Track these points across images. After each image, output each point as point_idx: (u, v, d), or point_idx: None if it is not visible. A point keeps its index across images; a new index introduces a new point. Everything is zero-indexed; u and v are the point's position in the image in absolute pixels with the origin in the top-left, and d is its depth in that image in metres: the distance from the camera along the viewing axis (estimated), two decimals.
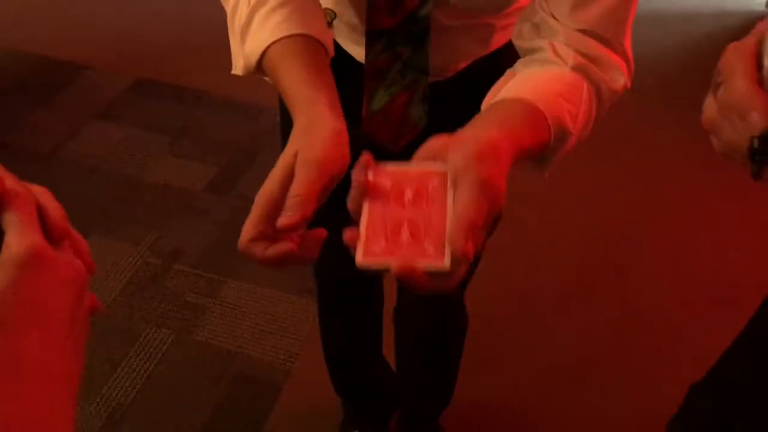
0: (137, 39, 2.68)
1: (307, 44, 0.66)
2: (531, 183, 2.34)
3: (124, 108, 2.38)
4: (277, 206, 0.54)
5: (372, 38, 0.80)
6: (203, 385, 1.60)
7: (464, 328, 1.33)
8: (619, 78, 0.70)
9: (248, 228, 0.54)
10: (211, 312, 1.75)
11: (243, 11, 0.68)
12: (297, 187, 0.54)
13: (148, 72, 2.50)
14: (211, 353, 1.66)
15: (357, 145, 0.61)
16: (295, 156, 0.56)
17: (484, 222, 0.51)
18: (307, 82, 0.62)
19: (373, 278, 1.28)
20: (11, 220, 0.34)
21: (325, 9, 0.87)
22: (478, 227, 0.50)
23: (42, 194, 0.37)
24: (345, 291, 1.28)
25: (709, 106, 0.45)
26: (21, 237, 0.33)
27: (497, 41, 0.88)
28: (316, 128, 0.58)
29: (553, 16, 0.69)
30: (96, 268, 0.39)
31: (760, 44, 0.40)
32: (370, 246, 0.52)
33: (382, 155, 0.59)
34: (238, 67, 0.70)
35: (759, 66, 0.40)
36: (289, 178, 0.55)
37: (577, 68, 0.68)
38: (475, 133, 0.57)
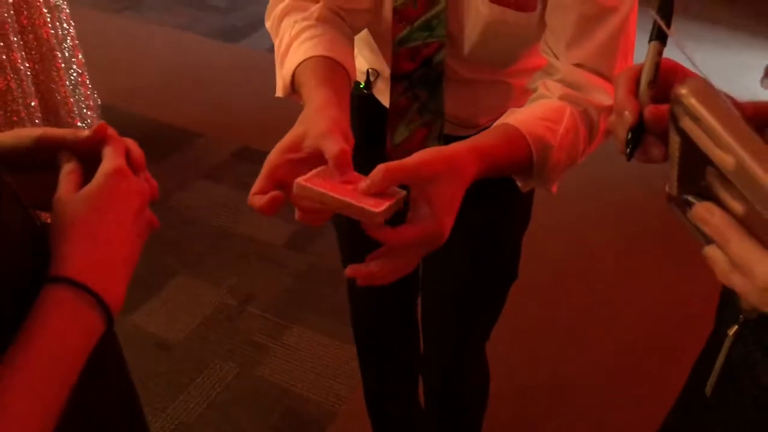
0: (243, 113, 3.03)
1: (328, 64, 0.82)
2: (569, 255, 2.42)
3: (225, 170, 2.68)
4: (276, 169, 0.67)
5: (395, 81, 0.97)
6: (257, 415, 1.75)
7: (484, 385, 1.40)
8: (604, 97, 0.82)
9: (255, 185, 0.68)
10: (274, 352, 1.92)
11: (284, 42, 0.87)
12: (330, 150, 0.66)
13: (249, 141, 2.82)
14: (268, 388, 1.82)
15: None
16: (302, 135, 0.68)
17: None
18: (319, 88, 0.77)
19: (407, 324, 1.41)
20: (107, 150, 0.57)
21: (368, 69, 1.06)
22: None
23: (131, 143, 0.59)
24: (380, 336, 1.41)
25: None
26: (111, 159, 0.56)
27: (517, 100, 0.99)
28: (319, 116, 0.71)
29: (555, 56, 0.84)
30: (158, 196, 0.61)
31: (639, 72, 0.54)
32: (314, 180, 0.63)
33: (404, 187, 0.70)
34: (278, 89, 0.88)
35: (637, 84, 0.54)
36: (290, 149, 0.68)
37: (563, 97, 0.82)
38: (451, 150, 0.69)
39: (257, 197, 0.66)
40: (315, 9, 0.89)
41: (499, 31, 0.88)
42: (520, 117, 0.81)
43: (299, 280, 2.16)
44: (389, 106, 1.00)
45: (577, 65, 0.83)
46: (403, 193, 0.66)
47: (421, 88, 0.96)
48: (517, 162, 0.78)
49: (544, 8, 0.85)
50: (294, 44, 0.87)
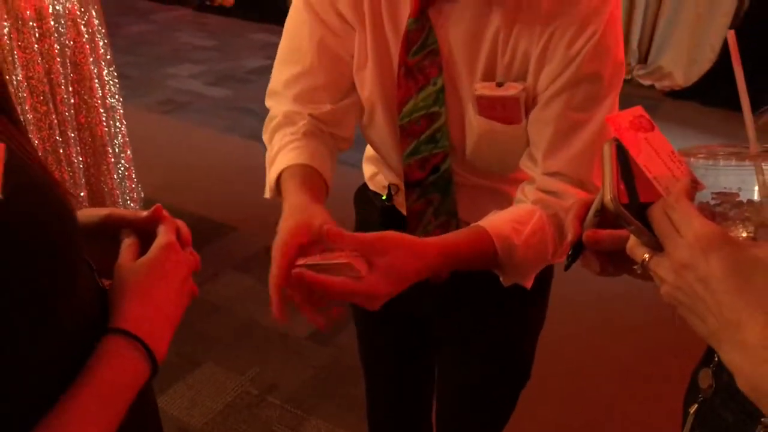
0: (275, 211, 3.18)
1: (307, 170, 0.97)
2: (581, 360, 2.41)
3: (256, 264, 2.80)
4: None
5: (409, 188, 1.07)
6: None
7: None
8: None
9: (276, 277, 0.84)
10: None
11: (274, 151, 1.02)
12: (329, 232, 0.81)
13: None
14: None
15: None
16: (302, 226, 0.85)
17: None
18: (297, 193, 0.92)
19: (423, 424, 1.45)
20: (162, 228, 0.69)
21: (389, 184, 1.17)
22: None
23: (181, 224, 0.71)
24: None
25: None
26: (165, 235, 0.67)
27: None
28: (312, 207, 0.88)
29: (534, 166, 0.95)
30: (200, 268, 0.71)
31: (591, 202, 0.65)
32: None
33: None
34: (266, 191, 1.02)
35: (587, 211, 0.64)
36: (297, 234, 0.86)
37: (535, 202, 0.92)
38: (415, 241, 0.83)
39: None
40: (302, 125, 1.03)
41: (491, 141, 0.98)
42: (491, 219, 0.92)
43: (321, 372, 2.21)
44: (406, 211, 1.10)
45: (554, 174, 0.93)
46: (346, 261, 0.78)
47: (433, 193, 1.07)
48: (483, 258, 0.89)
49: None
50: (281, 153, 1.01)
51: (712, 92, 4.46)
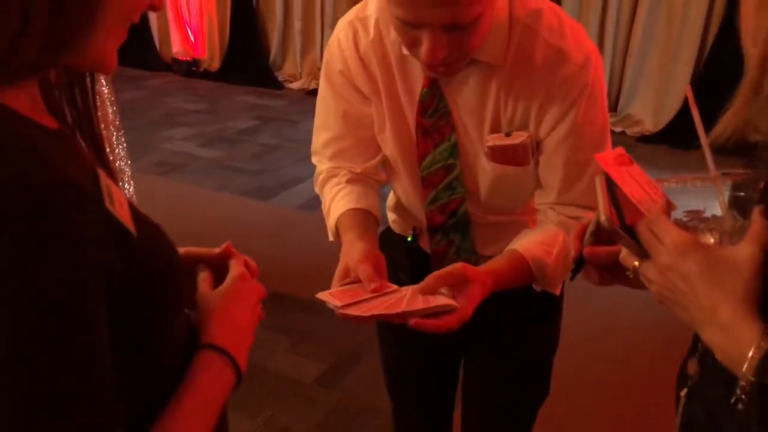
0: (274, 263, 3.30)
1: (356, 212, 1.16)
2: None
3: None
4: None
5: (432, 232, 1.23)
6: None
7: None
8: None
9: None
10: None
11: (326, 202, 1.20)
12: (365, 278, 1.00)
13: (279, 287, 3.06)
14: None
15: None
16: (345, 267, 1.03)
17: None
18: (350, 232, 1.11)
19: None
20: (233, 262, 0.82)
21: (414, 227, 1.32)
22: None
23: (248, 258, 0.84)
24: None
25: None
26: (237, 267, 0.79)
27: None
28: (351, 250, 1.06)
29: (547, 205, 1.13)
30: (266, 295, 0.83)
31: (588, 224, 0.81)
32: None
33: None
34: (330, 236, 1.19)
35: (585, 231, 0.80)
36: (341, 278, 1.03)
37: (558, 224, 1.10)
38: (480, 270, 1.01)
39: None
40: (343, 175, 1.22)
41: (503, 183, 1.15)
42: (523, 243, 1.10)
43: (329, 414, 2.30)
44: (431, 252, 1.26)
45: (569, 204, 1.11)
46: (452, 304, 0.96)
47: (454, 234, 1.22)
48: (522, 278, 1.07)
49: (536, 162, 1.13)
50: (333, 203, 1.20)
51: (680, 135, 4.72)
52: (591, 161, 1.08)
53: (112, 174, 0.75)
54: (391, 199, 1.37)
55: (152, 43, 6.76)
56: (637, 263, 0.70)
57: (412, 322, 0.94)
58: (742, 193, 0.69)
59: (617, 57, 5.22)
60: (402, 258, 1.33)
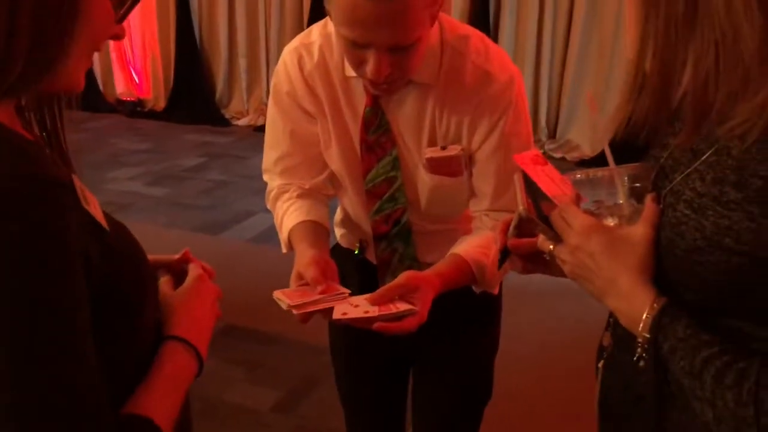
0: (227, 296, 3.31)
1: (307, 224, 1.25)
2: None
3: (215, 345, 2.88)
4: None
5: (377, 241, 1.32)
6: None
7: None
8: None
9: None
10: None
11: (279, 216, 1.28)
12: (311, 279, 1.08)
13: (234, 320, 3.07)
14: None
15: None
16: (298, 274, 1.10)
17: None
18: (302, 241, 1.20)
19: None
20: (191, 266, 0.89)
21: (360, 240, 1.39)
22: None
23: (204, 263, 0.91)
24: None
25: None
26: (195, 270, 0.87)
27: None
28: (302, 257, 1.14)
29: (481, 211, 1.23)
30: (222, 296, 0.90)
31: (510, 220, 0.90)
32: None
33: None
34: (283, 247, 1.27)
35: (509, 226, 0.89)
36: (295, 280, 1.11)
37: (493, 229, 1.18)
38: (425, 275, 1.10)
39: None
40: (293, 190, 1.31)
41: (441, 193, 1.25)
42: (463, 247, 1.20)
43: None
44: (376, 261, 1.33)
45: (501, 209, 1.20)
46: (413, 308, 1.05)
47: (398, 243, 1.31)
48: (464, 279, 1.16)
49: (470, 173, 1.23)
50: (284, 217, 1.28)
51: (617, 158, 4.92)
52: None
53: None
54: (338, 214, 1.45)
55: (95, 84, 6.74)
56: (552, 247, 0.79)
57: (376, 325, 1.02)
58: (637, 184, 0.79)
59: (553, 87, 5.46)
60: (350, 271, 1.40)
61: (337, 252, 1.45)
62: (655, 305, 0.70)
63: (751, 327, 0.70)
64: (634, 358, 0.72)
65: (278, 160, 1.32)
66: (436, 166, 1.20)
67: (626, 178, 0.80)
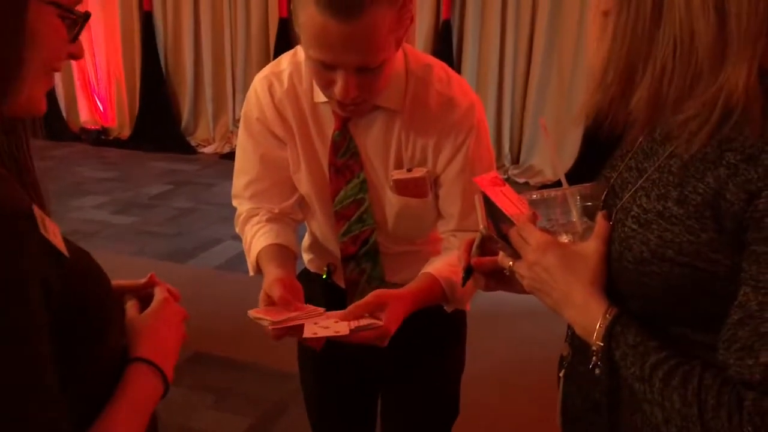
0: (194, 323, 3.29)
1: (275, 247, 1.27)
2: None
3: (180, 373, 2.86)
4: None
5: (345, 261, 1.35)
6: None
7: None
8: None
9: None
10: None
11: (248, 239, 1.30)
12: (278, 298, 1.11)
13: (200, 347, 3.06)
14: None
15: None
16: (266, 295, 1.13)
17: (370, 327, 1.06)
18: (270, 263, 1.22)
19: None
20: (157, 289, 0.90)
21: (328, 264, 1.43)
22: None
23: (169, 286, 0.93)
24: None
25: None
26: (161, 293, 0.89)
27: None
28: (270, 277, 1.17)
29: (449, 230, 1.28)
30: (189, 317, 0.91)
31: (473, 239, 0.95)
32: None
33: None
34: (250, 270, 1.29)
35: (472, 244, 0.94)
36: (263, 301, 1.13)
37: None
38: (395, 293, 1.14)
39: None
40: (263, 214, 1.34)
41: (407, 213, 1.29)
42: (434, 266, 1.24)
43: None
44: (344, 282, 1.37)
45: (467, 229, 1.25)
46: (376, 322, 1.09)
47: (366, 263, 1.35)
48: (436, 296, 1.21)
49: (435, 195, 1.28)
50: (253, 240, 1.31)
51: (578, 181, 5.04)
52: None
53: (47, 213, 0.83)
54: (306, 239, 1.48)
55: (59, 112, 6.68)
56: (511, 263, 0.84)
57: (346, 334, 1.08)
58: (589, 203, 0.85)
59: (516, 114, 5.59)
60: (319, 295, 1.43)
61: (305, 276, 1.48)
62: (607, 315, 0.76)
63: (693, 333, 0.75)
64: (590, 366, 0.77)
65: (248, 184, 1.34)
66: (402, 187, 1.25)
67: (578, 197, 0.85)
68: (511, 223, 0.84)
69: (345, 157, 1.27)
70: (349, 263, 1.35)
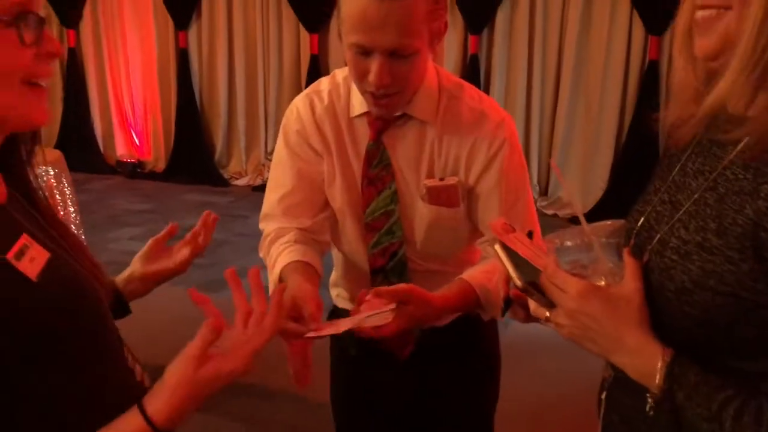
0: None
1: (304, 264, 1.28)
2: None
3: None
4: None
5: (374, 274, 1.38)
6: None
7: None
8: None
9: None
10: None
11: (273, 257, 1.31)
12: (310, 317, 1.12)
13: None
14: None
15: (379, 352, 1.20)
16: (292, 299, 1.14)
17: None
18: (300, 278, 1.22)
19: None
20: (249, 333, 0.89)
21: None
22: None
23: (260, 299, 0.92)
24: None
25: None
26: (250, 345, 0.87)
27: None
28: (300, 287, 1.17)
29: (489, 242, 1.30)
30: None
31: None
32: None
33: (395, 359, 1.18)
34: (270, 286, 1.29)
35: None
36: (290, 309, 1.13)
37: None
38: (426, 296, 1.17)
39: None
40: (291, 235, 1.36)
41: (438, 225, 1.32)
42: (469, 272, 1.28)
43: None
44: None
45: None
46: (388, 314, 1.11)
47: (393, 277, 1.38)
48: (468, 303, 1.24)
49: (466, 206, 1.32)
50: (279, 257, 1.32)
51: (606, 214, 5.01)
52: (520, 200, 1.31)
53: (54, 237, 0.82)
54: (333, 274, 1.52)
55: (96, 146, 6.87)
56: (548, 314, 0.85)
57: (357, 329, 1.11)
58: (611, 240, 0.88)
59: (543, 147, 5.62)
60: (347, 343, 1.47)
61: (334, 316, 1.51)
62: (665, 357, 0.76)
63: (739, 361, 0.77)
64: (647, 409, 0.77)
65: (282, 197, 1.37)
66: (434, 195, 1.30)
67: (601, 237, 0.88)
68: (536, 269, 0.85)
69: (378, 168, 1.32)
70: (378, 276, 1.38)
